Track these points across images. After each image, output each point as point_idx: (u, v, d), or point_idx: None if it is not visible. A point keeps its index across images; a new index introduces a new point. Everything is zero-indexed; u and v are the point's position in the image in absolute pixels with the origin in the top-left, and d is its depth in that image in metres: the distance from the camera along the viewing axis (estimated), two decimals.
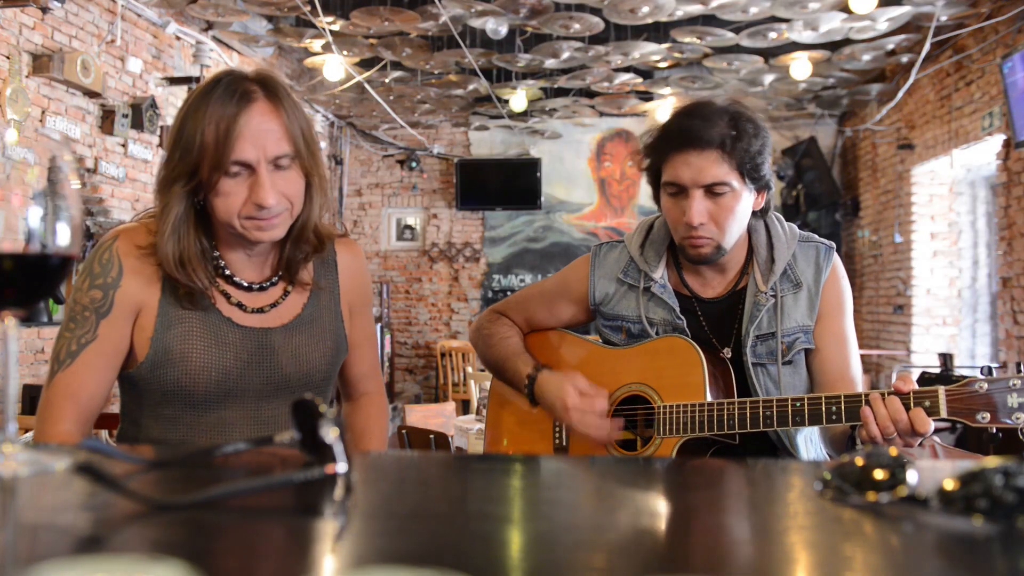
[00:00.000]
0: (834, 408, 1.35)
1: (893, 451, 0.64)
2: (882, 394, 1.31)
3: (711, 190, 1.48)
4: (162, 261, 1.28)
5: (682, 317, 1.59)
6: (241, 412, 1.34)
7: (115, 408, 1.46)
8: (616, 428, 1.54)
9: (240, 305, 1.35)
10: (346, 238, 1.51)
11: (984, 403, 1.24)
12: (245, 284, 1.36)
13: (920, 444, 1.33)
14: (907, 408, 1.28)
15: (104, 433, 2.55)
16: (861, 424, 1.32)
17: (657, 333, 1.60)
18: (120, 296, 1.30)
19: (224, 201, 1.25)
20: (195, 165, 1.23)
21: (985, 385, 1.24)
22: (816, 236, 1.65)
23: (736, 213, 1.51)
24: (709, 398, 1.46)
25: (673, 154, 1.50)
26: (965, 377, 1.32)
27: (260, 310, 1.36)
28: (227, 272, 1.35)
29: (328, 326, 1.43)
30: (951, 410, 1.26)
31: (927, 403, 1.27)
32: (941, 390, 1.27)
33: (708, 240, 1.52)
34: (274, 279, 1.39)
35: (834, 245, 1.64)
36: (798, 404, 1.37)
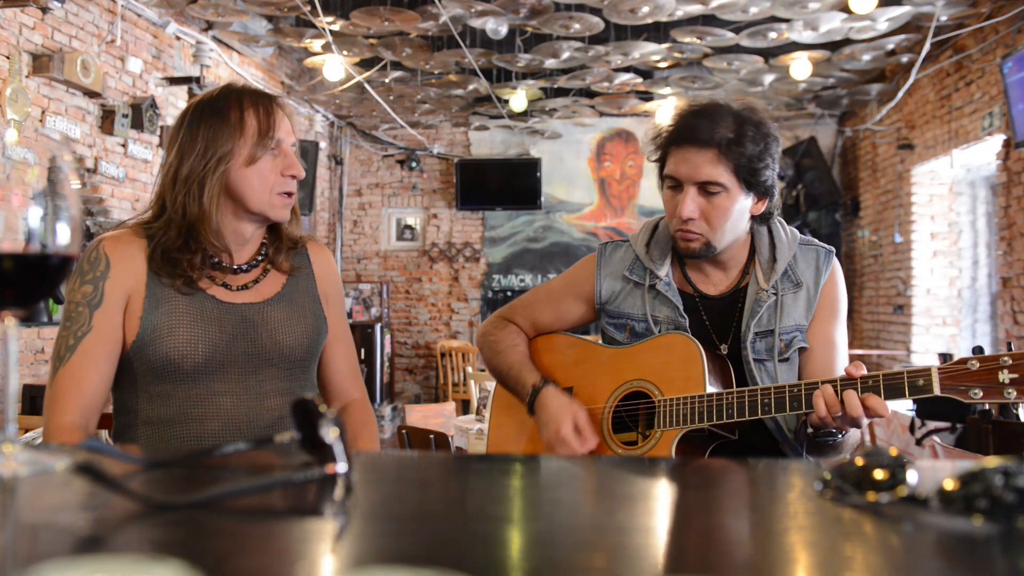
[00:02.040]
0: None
1: (893, 451, 0.64)
2: (834, 382, 1.37)
3: (705, 188, 1.53)
4: (211, 233, 1.42)
5: (685, 315, 1.62)
6: (229, 384, 1.42)
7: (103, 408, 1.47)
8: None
9: (225, 285, 1.46)
10: (315, 241, 1.65)
11: (976, 380, 1.26)
12: (231, 267, 1.48)
13: (919, 442, 1.36)
14: (858, 393, 1.34)
15: (104, 433, 2.54)
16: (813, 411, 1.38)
17: (660, 331, 1.62)
18: (110, 286, 1.39)
19: (261, 176, 1.43)
20: (233, 148, 1.41)
21: (977, 363, 1.27)
22: (816, 240, 1.68)
23: (729, 214, 1.55)
24: (709, 390, 1.48)
25: (674, 149, 1.56)
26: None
27: (244, 287, 1.48)
28: (215, 260, 1.47)
29: (307, 304, 1.54)
30: (944, 387, 1.29)
31: (920, 382, 1.30)
32: (934, 368, 1.30)
33: (697, 236, 1.56)
34: (254, 261, 1.52)
35: (834, 250, 1.68)
36: (795, 390, 1.40)
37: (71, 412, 1.33)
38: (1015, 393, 1.24)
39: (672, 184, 1.57)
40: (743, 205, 1.56)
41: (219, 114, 1.42)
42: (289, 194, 1.47)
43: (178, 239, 1.41)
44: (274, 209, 1.46)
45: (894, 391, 1.33)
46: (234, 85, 1.50)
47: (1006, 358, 1.25)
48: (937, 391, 1.29)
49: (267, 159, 1.43)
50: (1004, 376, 1.25)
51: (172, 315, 1.39)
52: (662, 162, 1.61)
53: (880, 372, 1.35)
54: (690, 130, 1.53)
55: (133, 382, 1.41)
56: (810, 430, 1.45)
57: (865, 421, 1.37)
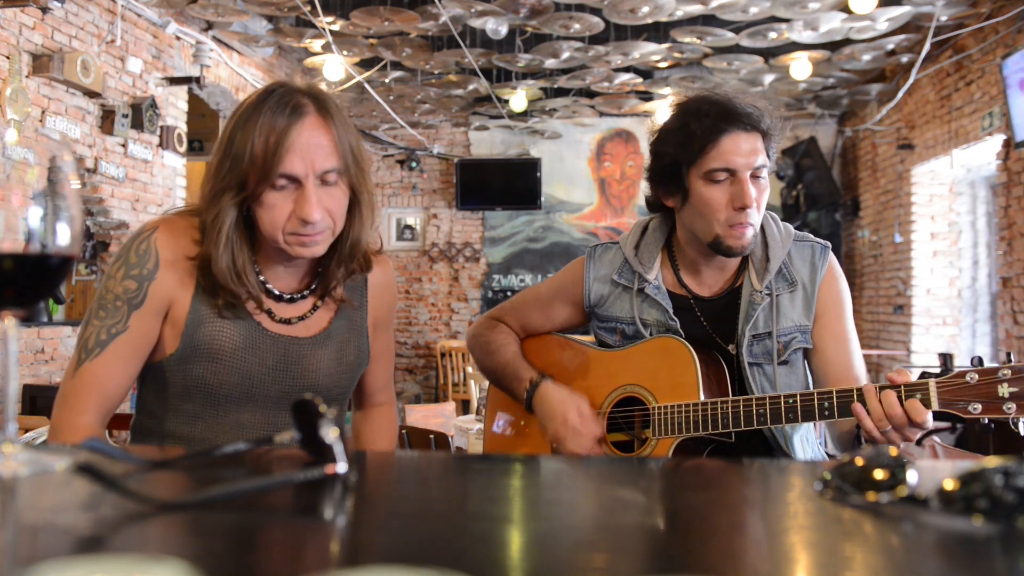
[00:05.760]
0: (826, 404, 1.34)
1: (893, 451, 0.64)
2: (877, 388, 1.30)
3: (755, 173, 1.49)
4: (218, 274, 1.27)
5: (675, 318, 1.58)
6: (259, 417, 1.34)
7: (118, 409, 1.45)
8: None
9: (269, 312, 1.35)
10: (380, 255, 1.48)
11: (975, 394, 1.23)
12: (276, 293, 1.36)
13: (919, 442, 1.33)
14: (902, 401, 1.28)
15: (104, 433, 2.54)
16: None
17: (651, 334, 1.59)
18: (154, 289, 1.29)
19: (269, 214, 1.24)
20: (244, 176, 1.23)
21: (976, 376, 1.24)
22: (811, 236, 1.63)
23: (767, 197, 1.53)
24: (703, 398, 1.46)
25: (722, 137, 1.47)
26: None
27: (287, 321, 1.36)
28: (262, 278, 1.35)
29: (352, 341, 1.43)
30: (942, 402, 1.25)
31: (918, 396, 1.27)
32: (932, 382, 1.27)
33: (752, 226, 1.50)
34: (305, 292, 1.39)
35: (829, 245, 1.63)
36: (791, 401, 1.36)
37: (90, 412, 1.27)
38: (1015, 408, 1.20)
39: (724, 177, 1.48)
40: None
41: (239, 130, 1.24)
42: (305, 235, 1.25)
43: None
44: (291, 248, 1.27)
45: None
46: (272, 90, 1.26)
47: (1005, 371, 1.22)
48: (935, 406, 1.26)
49: (276, 195, 1.23)
50: (1003, 390, 1.21)
51: (215, 338, 1.29)
52: (691, 161, 1.50)
53: (877, 385, 1.31)
54: (739, 113, 1.47)
55: (163, 390, 1.34)
56: (863, 442, 1.38)
57: (918, 432, 1.30)
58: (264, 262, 1.35)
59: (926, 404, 1.26)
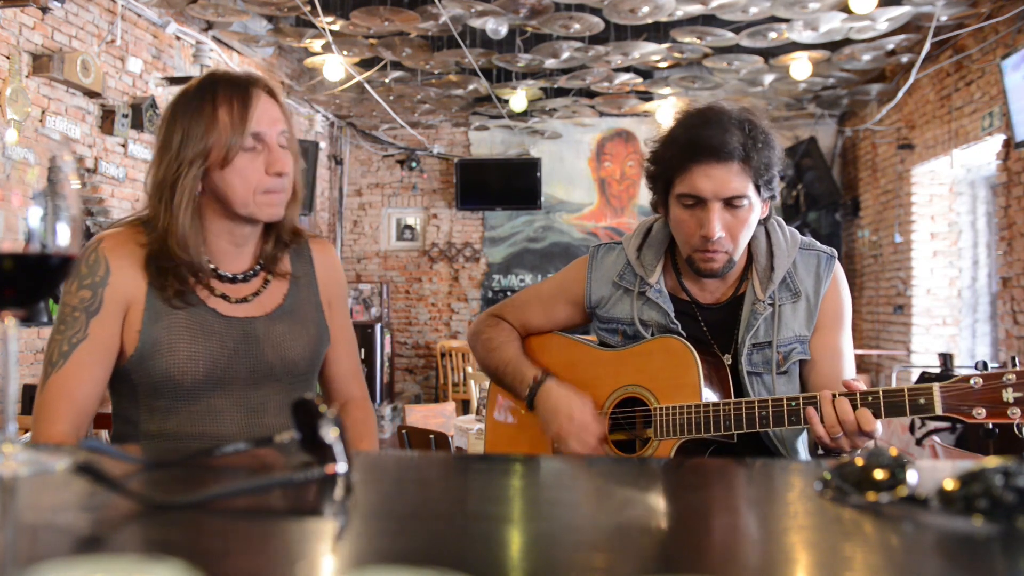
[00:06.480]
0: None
1: (893, 451, 0.64)
2: (833, 395, 1.33)
3: (730, 203, 1.46)
4: (173, 243, 1.33)
5: (676, 321, 1.58)
6: (230, 400, 1.37)
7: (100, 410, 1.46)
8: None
9: (224, 296, 1.40)
10: (319, 238, 1.59)
11: (979, 399, 1.23)
12: (228, 275, 1.42)
13: (919, 442, 1.33)
14: (855, 408, 1.31)
15: (104, 433, 2.55)
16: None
17: (652, 335, 1.59)
18: (109, 293, 1.34)
19: (242, 176, 1.33)
20: (207, 149, 1.32)
21: (980, 381, 1.23)
22: (818, 244, 1.62)
23: (750, 224, 1.50)
24: (704, 399, 1.46)
25: (692, 165, 1.46)
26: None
27: (244, 300, 1.41)
28: (212, 266, 1.41)
29: (309, 315, 1.48)
30: (946, 407, 1.25)
31: (921, 400, 1.27)
32: (936, 387, 1.26)
33: (723, 254, 1.49)
34: (255, 268, 1.45)
35: (835, 253, 1.62)
36: (793, 404, 1.37)
37: (62, 421, 1.29)
38: (1019, 412, 1.20)
39: (692, 203, 1.48)
40: (759, 212, 1.51)
41: (193, 110, 1.33)
42: (276, 191, 1.37)
43: (163, 250, 1.35)
44: (261, 210, 1.36)
45: (895, 409, 1.29)
46: (214, 73, 1.39)
47: (1010, 375, 1.21)
48: (939, 411, 1.25)
49: (245, 157, 1.33)
50: (1008, 395, 1.21)
51: (172, 330, 1.34)
52: (669, 180, 1.52)
53: (880, 389, 1.31)
54: (710, 144, 1.44)
55: (133, 393, 1.37)
56: (820, 452, 1.40)
57: (869, 442, 1.32)
58: (210, 245, 1.41)
59: (929, 409, 1.26)
